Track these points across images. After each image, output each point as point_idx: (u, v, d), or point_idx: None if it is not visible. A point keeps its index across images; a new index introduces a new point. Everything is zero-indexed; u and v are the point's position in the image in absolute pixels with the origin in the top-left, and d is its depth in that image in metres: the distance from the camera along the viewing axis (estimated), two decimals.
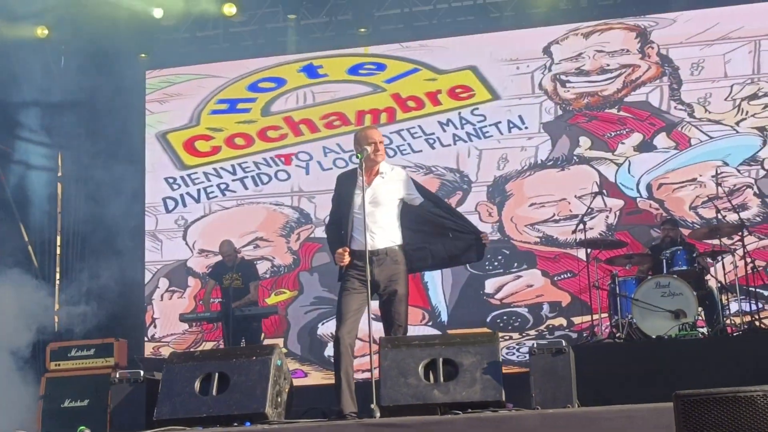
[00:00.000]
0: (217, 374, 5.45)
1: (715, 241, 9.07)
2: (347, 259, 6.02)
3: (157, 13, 11.16)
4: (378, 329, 6.38)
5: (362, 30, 11.56)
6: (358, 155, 6.11)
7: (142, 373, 5.72)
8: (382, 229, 6.10)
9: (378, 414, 5.29)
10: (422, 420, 4.95)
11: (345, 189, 6.21)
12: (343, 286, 6.09)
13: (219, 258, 10.35)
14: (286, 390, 5.58)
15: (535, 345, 5.47)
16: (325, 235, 10.69)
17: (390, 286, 6.05)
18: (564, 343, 5.42)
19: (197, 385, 5.45)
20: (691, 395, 4.09)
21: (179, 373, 5.51)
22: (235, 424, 5.28)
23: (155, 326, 11.25)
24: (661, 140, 10.73)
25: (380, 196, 6.16)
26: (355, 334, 5.97)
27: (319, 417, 5.76)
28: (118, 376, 5.75)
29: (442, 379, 5.31)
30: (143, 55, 11.78)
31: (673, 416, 4.11)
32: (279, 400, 5.46)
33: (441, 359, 5.35)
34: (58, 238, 11.66)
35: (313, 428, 4.99)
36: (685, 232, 9.78)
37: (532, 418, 4.88)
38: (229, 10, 11.28)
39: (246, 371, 5.42)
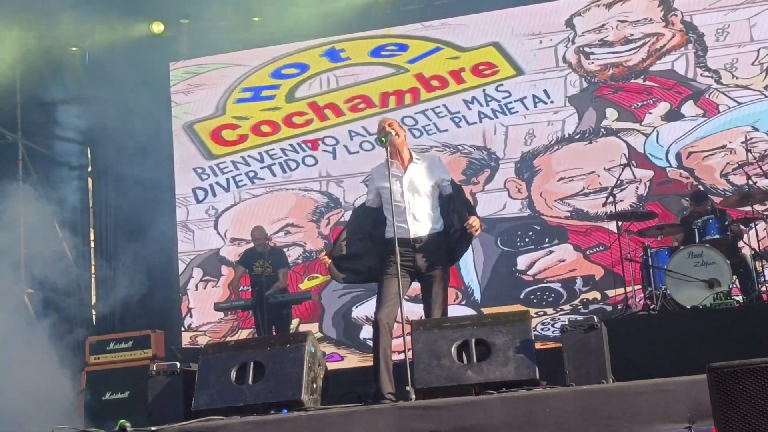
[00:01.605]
0: (252, 363, 5.50)
1: (747, 208, 9.00)
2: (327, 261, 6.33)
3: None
4: (419, 312, 6.51)
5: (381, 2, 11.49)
6: (382, 139, 6.17)
7: (178, 364, 5.79)
8: (421, 216, 6.23)
9: (413, 396, 5.33)
10: (457, 401, 4.98)
11: (381, 179, 6.28)
12: (384, 272, 6.17)
13: (249, 245, 10.42)
14: (321, 376, 5.63)
15: (567, 322, 5.47)
16: None
17: (430, 271, 6.17)
18: (596, 319, 5.41)
19: (233, 374, 5.51)
20: (724, 367, 4.07)
21: (215, 363, 5.57)
22: (272, 411, 5.33)
23: (191, 316, 11.34)
24: (689, 108, 10.63)
25: (416, 182, 6.28)
26: (394, 317, 6.07)
27: (354, 401, 5.79)
28: (155, 368, 5.82)
29: (475, 359, 5.33)
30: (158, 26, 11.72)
31: (707, 388, 4.10)
32: (314, 386, 5.51)
33: (473, 340, 5.36)
34: (92, 232, 11.77)
35: (349, 413, 5.03)
36: (717, 199, 9.70)
37: (566, 396, 4.89)
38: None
39: (280, 359, 5.47)
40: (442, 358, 5.34)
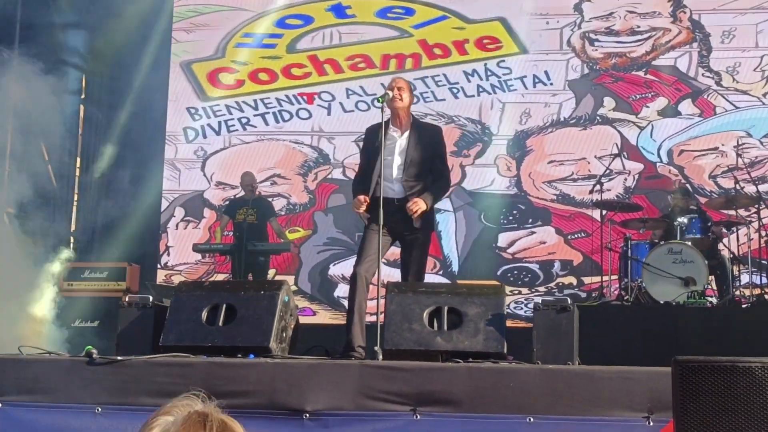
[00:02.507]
0: (224, 305, 5.52)
1: (731, 212, 9.06)
2: (364, 207, 6.27)
3: None
4: (397, 276, 6.58)
5: None
6: (379, 99, 6.22)
7: (151, 298, 5.80)
8: (407, 179, 6.34)
9: (380, 356, 5.37)
10: (423, 365, 5.01)
11: (373, 138, 6.38)
12: (367, 227, 6.31)
13: (235, 192, 10.41)
14: (292, 326, 5.65)
15: (540, 301, 5.50)
16: (342, 177, 10.90)
17: (411, 233, 6.28)
18: (569, 301, 5.45)
19: (204, 314, 5.53)
20: (689, 361, 4.12)
21: (187, 301, 5.59)
22: (239, 355, 5.35)
23: (168, 254, 11.34)
24: (686, 106, 10.65)
25: (410, 147, 6.38)
26: (373, 273, 6.17)
27: (323, 355, 5.82)
28: (127, 299, 5.83)
29: (446, 327, 5.36)
30: None
31: (671, 380, 4.15)
32: (284, 335, 5.53)
33: (446, 308, 5.40)
34: (78, 159, 11.72)
35: (315, 365, 5.05)
36: (702, 200, 9.75)
37: (531, 372, 4.94)
38: None
39: (253, 305, 5.49)
40: (414, 322, 5.37)
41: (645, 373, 4.83)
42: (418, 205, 6.22)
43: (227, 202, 10.42)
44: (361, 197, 6.31)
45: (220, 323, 5.47)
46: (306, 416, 4.87)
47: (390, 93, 6.35)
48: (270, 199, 10.70)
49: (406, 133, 6.43)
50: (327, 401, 4.91)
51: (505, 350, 5.31)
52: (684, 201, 9.29)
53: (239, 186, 10.76)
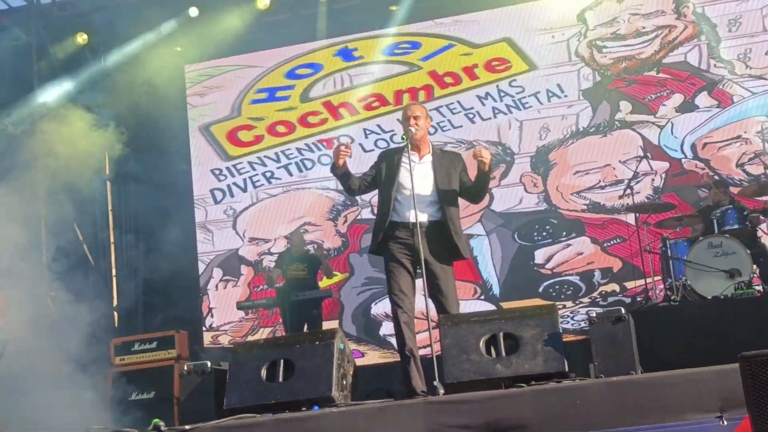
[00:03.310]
0: (282, 361, 5.56)
1: (765, 198, 9.03)
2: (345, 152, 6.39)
3: (193, 12, 11.37)
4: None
5: (393, 8, 11.52)
6: (403, 136, 6.23)
7: (209, 363, 5.85)
8: (424, 204, 6.22)
9: (442, 391, 5.39)
10: (487, 395, 5.03)
11: (390, 164, 6.36)
12: (386, 264, 6.24)
13: (269, 246, 10.51)
14: (351, 372, 5.68)
15: (594, 314, 5.51)
16: (371, 216, 10.94)
17: (432, 260, 6.14)
18: (623, 311, 5.45)
19: (264, 372, 5.57)
20: (757, 356, 4.12)
21: (245, 361, 5.63)
22: (303, 408, 5.38)
23: (212, 316, 11.42)
24: (703, 99, 10.66)
25: (426, 173, 6.31)
26: (412, 310, 6.07)
27: (384, 397, 5.85)
28: (186, 368, 5.88)
29: (504, 353, 5.37)
30: (178, 48, 11.83)
31: (739, 378, 4.15)
32: (344, 382, 5.57)
33: (501, 333, 5.41)
34: (111, 235, 11.85)
35: (381, 408, 5.08)
36: (734, 190, 9.72)
37: (596, 387, 4.94)
38: (263, 2, 11.44)
39: (310, 356, 5.53)
40: (471, 352, 5.39)
41: (710, 372, 4.83)
42: (488, 153, 6.23)
43: (277, 256, 10.44)
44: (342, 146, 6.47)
45: (281, 379, 5.51)
46: None
47: (410, 127, 6.33)
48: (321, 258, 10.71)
49: (426, 158, 6.40)
50: None
51: (566, 368, 5.31)
52: (724, 192, 9.28)
53: (271, 240, 10.86)
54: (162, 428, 5.25)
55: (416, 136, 6.34)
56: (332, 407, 5.32)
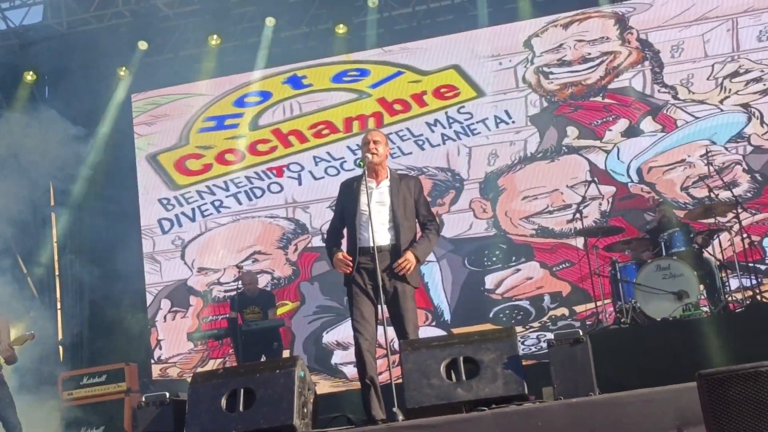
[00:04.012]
0: (242, 390, 5.49)
1: (711, 220, 9.18)
2: (349, 267, 6.09)
3: (142, 45, 11.34)
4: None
5: (341, 32, 11.54)
6: (359, 162, 6.21)
7: (167, 394, 5.76)
8: (382, 227, 6.18)
9: (401, 417, 5.37)
10: (449, 419, 5.02)
11: (349, 192, 6.31)
12: (350, 291, 6.15)
13: (218, 276, 10.42)
14: (311, 400, 5.64)
15: (553, 336, 5.55)
16: (321, 244, 10.93)
17: (395, 283, 6.10)
18: (581, 333, 5.49)
19: (224, 402, 5.48)
20: (713, 373, 4.18)
21: (204, 392, 5.55)
22: None
23: (161, 348, 11.27)
24: (648, 124, 10.85)
25: (384, 197, 6.27)
26: (373, 338, 6.02)
27: (345, 424, 5.81)
28: (144, 400, 5.78)
29: (464, 377, 5.37)
30: (123, 70, 11.67)
31: (696, 396, 4.20)
32: (305, 410, 5.51)
33: (462, 358, 5.41)
34: (56, 266, 11.66)
35: None
36: (680, 213, 9.88)
37: (558, 409, 4.96)
38: (215, 40, 11.46)
39: (271, 384, 5.47)
40: (432, 377, 5.38)
41: (667, 392, 4.88)
42: (409, 263, 6.08)
43: (232, 299, 10.15)
44: (340, 254, 6.19)
45: (241, 408, 5.44)
46: None
47: (368, 154, 6.31)
48: (272, 292, 10.65)
49: (384, 183, 6.36)
50: None
51: (526, 391, 5.33)
52: (670, 213, 9.42)
53: (221, 269, 10.78)
54: None
55: (374, 161, 6.30)
56: None
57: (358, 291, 6.10)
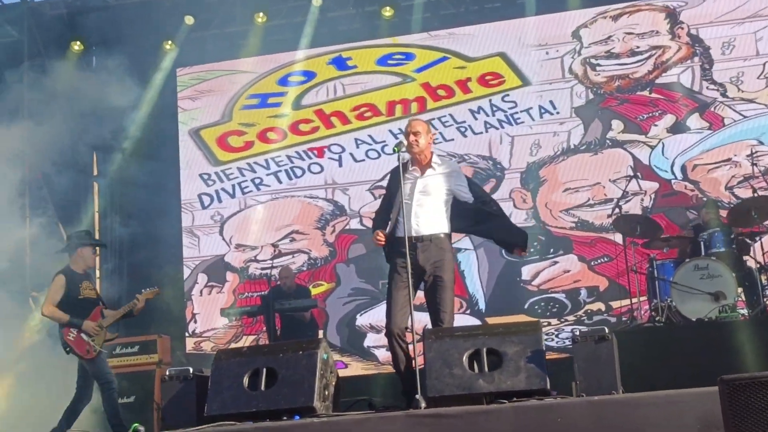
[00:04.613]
0: (265, 369, 5.52)
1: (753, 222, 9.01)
2: (382, 239, 6.29)
3: (188, 20, 11.38)
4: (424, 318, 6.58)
5: (387, 14, 11.48)
6: (395, 148, 6.24)
7: (191, 369, 5.81)
8: (428, 217, 6.34)
9: (423, 404, 5.36)
10: (468, 410, 5.01)
11: (395, 180, 6.41)
12: (389, 278, 6.30)
13: (255, 254, 10.47)
14: (333, 383, 5.65)
15: (578, 332, 5.50)
16: (359, 227, 10.96)
17: (435, 272, 6.24)
18: (607, 330, 5.43)
19: (246, 380, 5.53)
20: (736, 379, 4.11)
21: (228, 369, 5.60)
22: (284, 418, 5.35)
23: (195, 321, 11.37)
24: (694, 121, 10.69)
25: (430, 186, 6.41)
26: (406, 323, 6.10)
27: (366, 409, 5.82)
28: (167, 373, 5.84)
29: (486, 368, 5.35)
30: (169, 44, 11.72)
31: (719, 401, 4.14)
32: (326, 393, 5.53)
33: (485, 349, 5.39)
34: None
35: (361, 420, 5.06)
36: (723, 213, 9.72)
37: (578, 406, 4.93)
38: (261, 17, 11.48)
39: (293, 365, 5.49)
40: (454, 366, 5.37)
41: (691, 395, 4.82)
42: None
43: (268, 293, 10.13)
44: (379, 233, 6.34)
45: (262, 387, 5.47)
46: None
47: (404, 141, 6.36)
48: (309, 289, 10.70)
49: (428, 172, 6.46)
50: None
51: (548, 386, 5.30)
52: (715, 213, 9.27)
53: (258, 247, 10.84)
54: None
55: (415, 151, 6.40)
56: (313, 417, 5.29)
57: (395, 276, 6.20)
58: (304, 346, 5.59)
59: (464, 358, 5.39)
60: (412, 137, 6.40)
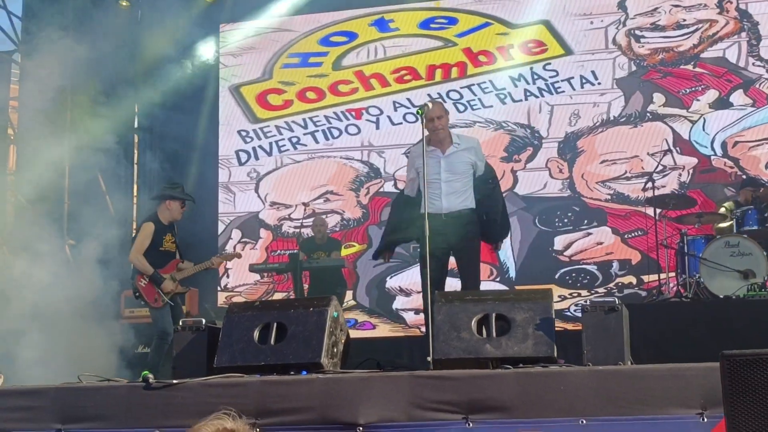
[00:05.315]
0: (275, 324, 5.57)
1: None
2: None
3: None
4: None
5: None
6: (419, 111, 6.36)
7: (204, 321, 5.88)
8: (457, 193, 6.80)
9: (431, 367, 5.39)
10: (472, 373, 5.01)
11: (417, 159, 6.65)
12: (420, 251, 6.65)
13: (290, 212, 10.52)
14: (342, 341, 5.68)
15: (588, 302, 5.47)
16: (393, 189, 10.97)
17: (465, 245, 6.76)
18: (617, 301, 5.40)
19: (256, 334, 5.58)
20: (738, 355, 4.06)
21: (239, 322, 5.65)
22: (292, 372, 5.40)
23: (228, 276, 11.48)
24: (738, 97, 10.50)
25: (455, 163, 6.87)
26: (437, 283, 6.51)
27: (374, 368, 5.85)
28: (181, 323, 5.93)
29: (494, 334, 5.35)
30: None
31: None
32: (335, 350, 5.57)
33: (494, 314, 5.38)
34: (135, 187, 11.93)
35: (365, 378, 5.09)
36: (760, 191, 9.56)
37: (581, 374, 4.90)
38: None
39: (303, 322, 5.54)
40: (462, 330, 5.37)
41: (697, 369, 4.77)
42: None
43: (302, 242, 10.37)
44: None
45: (272, 342, 5.52)
46: (359, 430, 4.91)
47: (429, 105, 6.54)
48: (341, 242, 10.78)
49: (449, 150, 6.88)
50: (379, 414, 4.94)
51: (555, 354, 5.28)
52: (753, 191, 9.10)
53: (293, 206, 10.89)
54: (150, 380, 5.28)
55: (441, 136, 6.85)
56: (319, 373, 5.33)
57: (427, 251, 6.30)
58: (315, 303, 5.63)
59: (473, 322, 5.39)
60: (436, 122, 6.80)
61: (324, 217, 10.86)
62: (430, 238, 6.08)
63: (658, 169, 9.65)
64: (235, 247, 11.45)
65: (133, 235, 9.05)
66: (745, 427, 3.94)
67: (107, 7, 11.39)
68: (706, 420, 4.56)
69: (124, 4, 11.68)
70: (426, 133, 6.53)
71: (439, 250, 6.57)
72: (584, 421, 4.72)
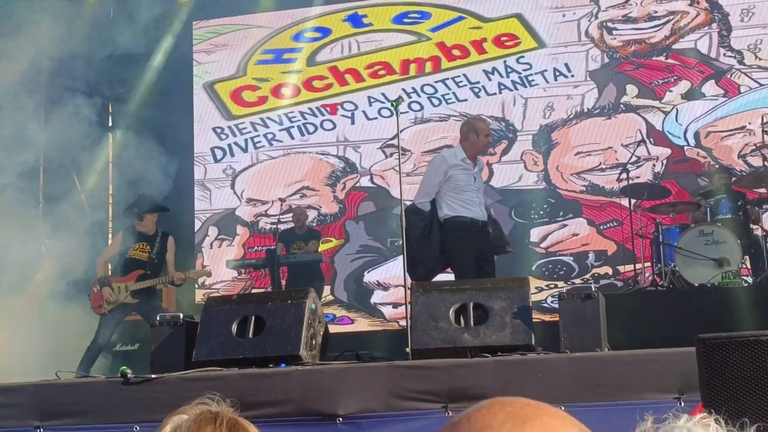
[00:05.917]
0: (253, 317, 5.58)
1: (762, 190, 8.97)
2: None
3: None
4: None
5: None
6: (393, 103, 6.40)
7: (181, 315, 5.89)
8: (482, 205, 7.69)
9: (410, 357, 5.41)
10: (450, 362, 5.05)
11: (451, 170, 7.54)
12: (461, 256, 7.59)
13: (266, 208, 10.51)
14: (321, 333, 5.70)
15: (564, 290, 5.51)
16: (370, 184, 10.97)
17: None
18: (594, 288, 5.45)
19: (234, 327, 5.60)
20: (713, 338, 4.12)
21: (217, 316, 5.66)
22: (270, 365, 5.41)
23: None
24: (710, 88, 10.58)
25: (480, 180, 7.88)
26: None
27: (353, 360, 5.87)
28: (158, 318, 5.92)
29: (472, 323, 5.38)
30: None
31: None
32: (313, 342, 5.59)
33: (471, 303, 5.42)
34: (110, 187, 11.87)
35: (344, 369, 5.11)
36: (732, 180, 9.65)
37: (559, 361, 4.95)
38: None
39: (281, 314, 5.55)
40: (440, 320, 5.40)
41: (674, 354, 4.84)
42: None
43: (281, 233, 10.39)
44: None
45: (250, 335, 5.54)
46: (339, 420, 4.93)
47: (403, 97, 6.72)
48: (320, 234, 10.81)
49: (477, 166, 7.75)
50: (359, 404, 4.97)
51: (533, 342, 5.33)
52: (727, 179, 9.20)
53: (269, 202, 10.87)
54: (129, 375, 5.28)
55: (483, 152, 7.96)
56: (298, 365, 5.34)
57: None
58: (293, 296, 5.65)
59: (450, 312, 5.42)
60: (490, 138, 7.90)
61: (303, 207, 10.84)
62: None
63: (632, 160, 9.71)
64: (212, 244, 11.43)
65: None
66: (720, 406, 3.99)
67: (78, 3, 11.32)
68: (683, 404, 4.61)
69: (91, 1, 11.60)
70: (470, 146, 7.56)
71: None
72: (563, 408, 4.75)
